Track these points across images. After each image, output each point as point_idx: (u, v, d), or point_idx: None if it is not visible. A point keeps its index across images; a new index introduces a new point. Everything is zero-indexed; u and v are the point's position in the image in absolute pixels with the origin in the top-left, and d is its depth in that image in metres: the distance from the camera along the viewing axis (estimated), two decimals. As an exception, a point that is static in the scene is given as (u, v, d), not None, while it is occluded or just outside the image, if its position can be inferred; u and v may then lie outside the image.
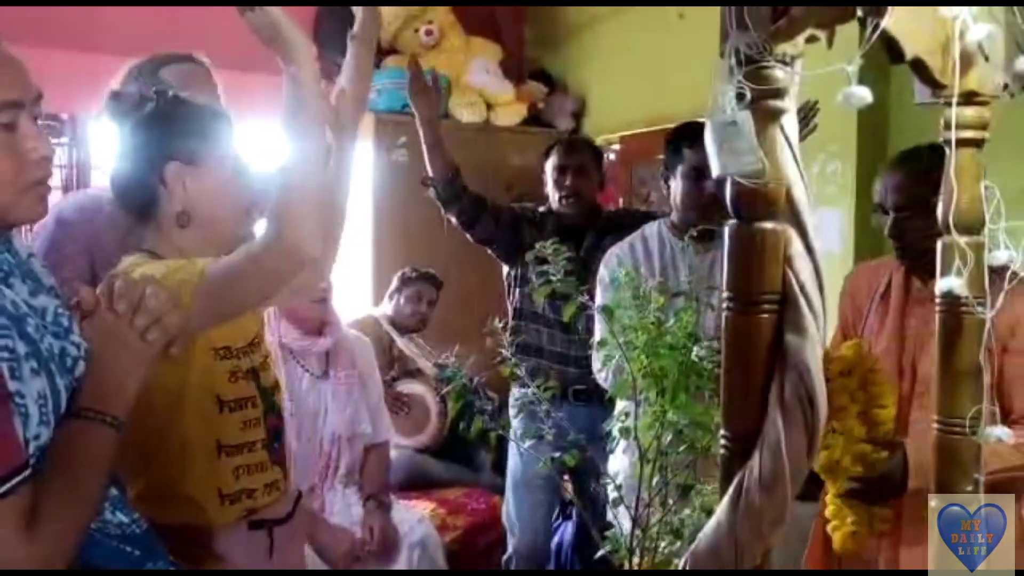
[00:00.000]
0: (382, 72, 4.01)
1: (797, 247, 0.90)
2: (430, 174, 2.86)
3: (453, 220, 2.94)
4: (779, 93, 0.88)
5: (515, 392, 2.78)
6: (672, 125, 3.82)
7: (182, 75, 1.90)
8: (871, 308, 1.88)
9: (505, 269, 3.07)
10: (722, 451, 0.92)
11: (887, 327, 1.82)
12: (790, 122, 0.92)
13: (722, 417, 0.92)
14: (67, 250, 1.77)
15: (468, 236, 2.98)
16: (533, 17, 4.63)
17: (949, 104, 1.02)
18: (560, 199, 2.88)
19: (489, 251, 3.03)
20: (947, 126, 1.03)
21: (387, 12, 4.04)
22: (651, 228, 2.36)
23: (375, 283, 3.83)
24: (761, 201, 0.89)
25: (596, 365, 2.09)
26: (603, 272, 2.24)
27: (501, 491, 3.25)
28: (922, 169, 1.73)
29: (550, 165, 2.95)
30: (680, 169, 2.31)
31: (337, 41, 4.01)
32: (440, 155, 2.83)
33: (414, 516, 2.90)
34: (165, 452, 1.31)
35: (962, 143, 1.03)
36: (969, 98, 1.02)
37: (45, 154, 0.98)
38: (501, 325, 1.53)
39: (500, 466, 3.52)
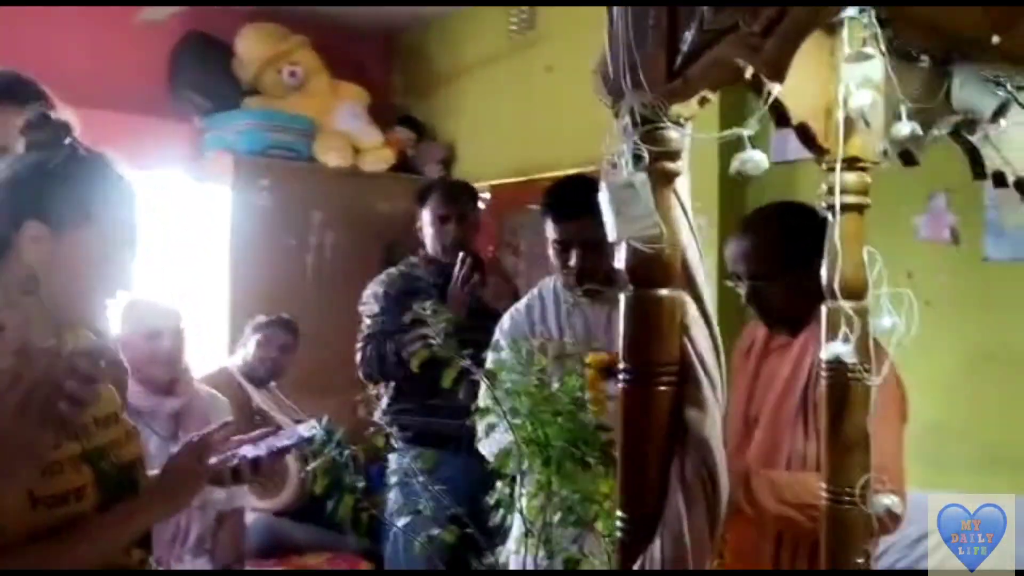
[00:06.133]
0: (242, 112, 3.84)
1: (694, 314, 0.87)
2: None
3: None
4: (674, 155, 0.85)
5: (394, 461, 2.63)
6: (541, 176, 3.90)
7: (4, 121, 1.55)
8: (739, 366, 1.89)
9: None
10: (619, 534, 0.86)
11: (739, 381, 1.84)
12: (683, 185, 0.89)
13: (619, 497, 0.86)
14: None
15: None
16: (400, 64, 4.58)
17: (832, 169, 1.02)
18: (442, 250, 2.78)
19: None
20: (830, 191, 1.03)
21: (249, 52, 3.89)
22: (547, 285, 2.24)
23: (232, 332, 3.61)
24: (657, 267, 0.85)
25: (479, 434, 1.99)
26: (497, 335, 2.14)
27: (369, 555, 3.10)
28: (771, 235, 1.77)
29: (430, 213, 2.81)
30: (551, 240, 2.26)
31: (193, 77, 3.86)
32: None
33: (273, 587, 2.70)
34: None
35: (845, 208, 1.03)
36: (851, 163, 1.02)
37: None
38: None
39: (368, 526, 3.36)
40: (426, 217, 2.83)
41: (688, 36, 0.79)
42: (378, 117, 4.18)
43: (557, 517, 1.16)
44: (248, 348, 3.24)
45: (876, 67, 0.94)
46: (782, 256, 1.76)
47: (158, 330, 2.46)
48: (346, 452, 1.21)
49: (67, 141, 1.23)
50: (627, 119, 0.81)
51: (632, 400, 0.85)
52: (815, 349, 1.78)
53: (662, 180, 0.84)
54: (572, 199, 2.18)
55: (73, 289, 1.22)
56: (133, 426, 1.33)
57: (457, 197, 2.86)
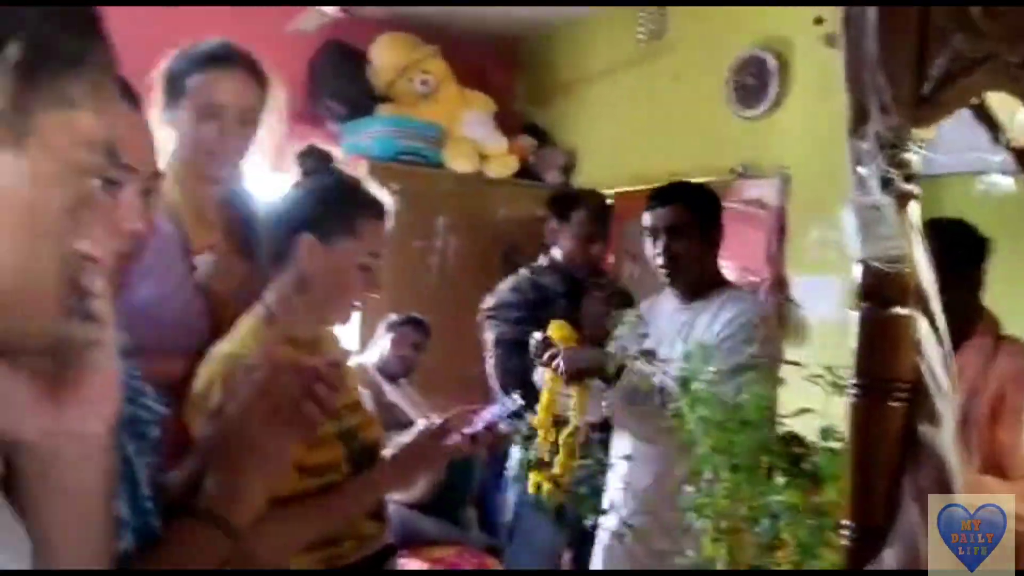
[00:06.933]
0: (376, 120, 3.99)
1: (926, 332, 0.89)
2: None
3: None
4: (913, 177, 0.88)
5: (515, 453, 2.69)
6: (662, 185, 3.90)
7: (207, 84, 1.66)
8: None
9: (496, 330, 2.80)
10: (847, 543, 0.89)
11: None
12: (914, 206, 0.91)
13: (849, 508, 0.89)
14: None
15: None
16: (523, 72, 4.67)
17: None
18: (575, 265, 2.81)
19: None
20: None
21: (384, 60, 4.04)
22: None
23: (362, 332, 3.75)
24: (895, 287, 0.87)
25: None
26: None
27: (490, 550, 3.18)
28: (930, 251, 1.79)
29: (575, 230, 2.80)
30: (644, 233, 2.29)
31: (331, 85, 4.02)
32: None
33: (408, 577, 2.80)
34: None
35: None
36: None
37: (135, 228, 0.92)
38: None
39: (487, 524, 3.44)
40: (568, 231, 2.81)
41: (939, 63, 0.81)
42: (502, 124, 4.28)
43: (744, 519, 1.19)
44: (382, 345, 3.36)
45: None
46: (940, 272, 1.75)
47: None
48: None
49: (336, 168, 1.44)
50: (873, 142, 0.84)
51: (864, 414, 0.88)
52: (975, 365, 1.77)
53: (901, 201, 0.87)
54: (662, 189, 2.24)
55: (335, 291, 1.40)
56: (372, 414, 1.49)
57: (604, 218, 2.87)
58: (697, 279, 2.14)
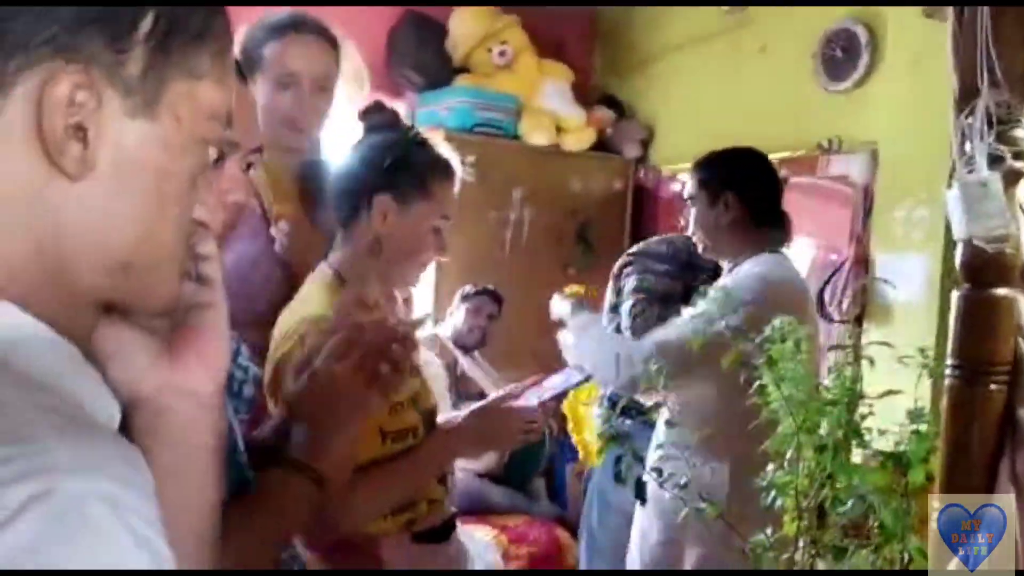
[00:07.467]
0: (453, 90, 4.00)
1: (1029, 316, 0.86)
2: None
3: None
4: (1022, 155, 0.85)
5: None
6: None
7: (282, 52, 1.68)
8: None
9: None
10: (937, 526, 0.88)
11: None
12: (1021, 185, 0.88)
13: (941, 491, 0.88)
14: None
15: None
16: (602, 43, 4.61)
17: None
18: None
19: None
20: None
21: (462, 31, 4.04)
22: None
23: (436, 303, 3.79)
24: (998, 267, 0.85)
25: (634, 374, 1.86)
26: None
27: (560, 522, 3.21)
28: None
29: None
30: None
31: (409, 56, 4.04)
32: None
33: (479, 543, 2.85)
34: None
35: None
36: None
37: (237, 200, 0.96)
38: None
39: (555, 495, 3.47)
40: None
41: (1055, 37, 0.78)
42: (579, 96, 4.24)
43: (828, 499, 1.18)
44: (457, 317, 3.40)
45: None
46: None
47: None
48: (628, 421, 1.29)
49: (404, 126, 1.42)
50: (982, 118, 0.82)
51: (961, 397, 0.86)
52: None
53: (1010, 180, 0.84)
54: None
55: (408, 254, 1.39)
56: (426, 380, 1.50)
57: None
58: (734, 250, 2.09)
